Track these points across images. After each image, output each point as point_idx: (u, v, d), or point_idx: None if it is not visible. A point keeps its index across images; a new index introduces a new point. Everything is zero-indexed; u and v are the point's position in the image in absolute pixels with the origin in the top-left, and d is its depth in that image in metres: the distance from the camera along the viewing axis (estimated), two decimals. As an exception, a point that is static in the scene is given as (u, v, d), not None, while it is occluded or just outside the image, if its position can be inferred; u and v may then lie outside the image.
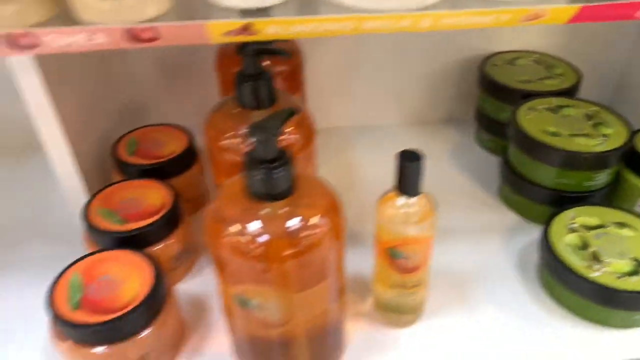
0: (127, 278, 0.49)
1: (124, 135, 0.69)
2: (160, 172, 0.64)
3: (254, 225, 0.40)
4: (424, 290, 0.53)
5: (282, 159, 0.38)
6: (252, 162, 0.38)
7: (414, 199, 0.46)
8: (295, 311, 0.43)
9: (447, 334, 0.54)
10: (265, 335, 0.45)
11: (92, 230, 0.55)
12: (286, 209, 0.40)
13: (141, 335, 0.47)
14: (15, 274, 0.62)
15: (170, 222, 0.58)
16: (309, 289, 0.42)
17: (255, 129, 0.37)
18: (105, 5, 0.39)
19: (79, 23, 0.40)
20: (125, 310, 0.46)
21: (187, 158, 0.67)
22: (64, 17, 0.41)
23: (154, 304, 0.48)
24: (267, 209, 0.40)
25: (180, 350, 0.53)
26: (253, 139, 0.38)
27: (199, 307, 0.58)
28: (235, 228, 0.40)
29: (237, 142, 0.54)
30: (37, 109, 0.54)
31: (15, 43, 0.39)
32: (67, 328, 0.45)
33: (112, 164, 0.67)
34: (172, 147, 0.67)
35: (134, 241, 0.55)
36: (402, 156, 0.44)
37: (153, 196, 0.59)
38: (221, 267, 0.43)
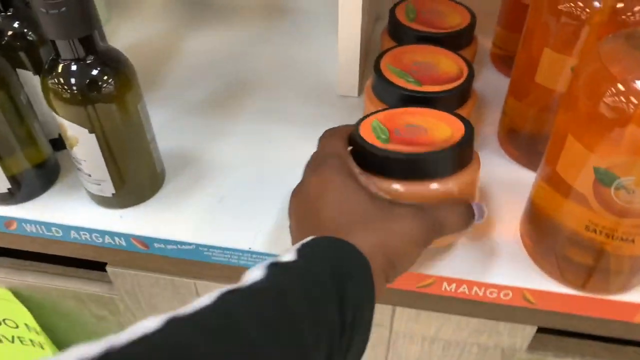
0: (435, 127, 0.44)
1: (401, 1, 0.64)
2: (442, 43, 0.58)
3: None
4: None
5: None
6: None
7: None
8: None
9: None
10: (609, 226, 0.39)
11: (387, 85, 0.51)
12: None
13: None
14: (281, 127, 0.61)
15: (464, 92, 0.52)
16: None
17: None
18: None
19: None
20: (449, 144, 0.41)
21: (469, 34, 0.61)
22: None
23: (467, 149, 0.42)
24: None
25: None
26: None
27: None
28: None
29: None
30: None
31: None
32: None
33: (388, 27, 0.62)
34: (455, 20, 0.61)
35: (430, 104, 0.50)
36: None
37: (447, 63, 0.54)
38: (584, 133, 0.36)
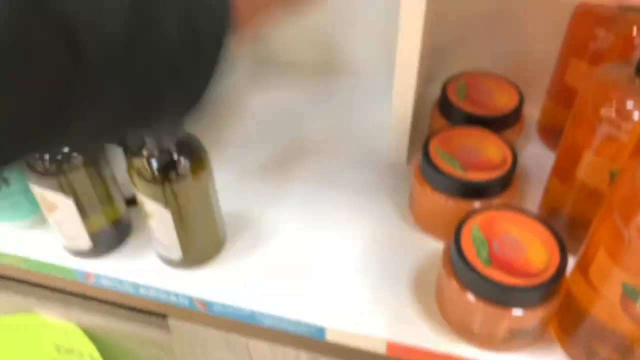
0: (532, 244, 0.47)
1: (453, 77, 0.68)
2: (488, 123, 0.62)
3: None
4: None
5: None
6: None
7: None
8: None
9: None
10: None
11: (434, 170, 0.55)
12: None
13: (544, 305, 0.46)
14: (333, 193, 0.65)
15: (506, 181, 0.56)
16: None
17: None
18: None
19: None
20: (544, 278, 0.44)
21: (516, 114, 0.64)
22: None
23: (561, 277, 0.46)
24: None
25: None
26: None
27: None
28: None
29: (621, 117, 0.49)
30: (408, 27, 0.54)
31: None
32: (483, 284, 0.45)
33: (439, 102, 0.66)
34: (503, 99, 0.64)
35: (474, 191, 0.54)
36: None
37: (493, 149, 0.57)
38: (615, 249, 0.39)
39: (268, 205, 0.63)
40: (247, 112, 0.78)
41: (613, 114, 0.49)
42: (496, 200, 0.55)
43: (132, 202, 0.60)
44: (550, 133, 0.70)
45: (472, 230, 0.48)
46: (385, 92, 0.78)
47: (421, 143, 0.66)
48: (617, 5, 0.57)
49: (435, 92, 0.69)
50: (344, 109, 0.79)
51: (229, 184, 0.64)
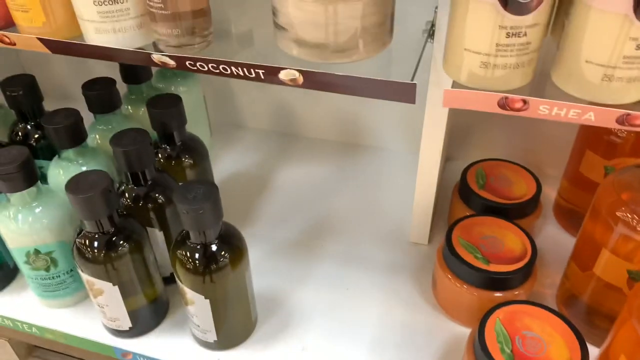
0: (553, 342, 0.50)
1: (473, 164, 0.71)
2: (508, 213, 0.65)
3: None
4: None
5: None
6: None
7: None
8: None
9: None
10: None
11: (458, 260, 0.58)
12: None
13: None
14: (358, 274, 0.68)
15: (527, 273, 0.58)
16: None
17: None
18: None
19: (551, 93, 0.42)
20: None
21: (535, 202, 0.67)
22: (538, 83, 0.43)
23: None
24: None
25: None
26: None
27: None
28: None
29: (637, 219, 0.52)
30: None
31: (507, 104, 0.41)
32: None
33: (459, 188, 0.70)
34: (522, 189, 0.67)
35: (496, 283, 0.57)
36: None
37: (514, 240, 0.60)
38: (637, 356, 0.42)
39: (295, 284, 0.66)
40: (274, 188, 0.82)
41: (629, 217, 0.52)
42: (517, 291, 0.57)
43: (169, 280, 0.64)
44: (567, 214, 0.73)
45: (495, 325, 0.51)
46: (407, 167, 0.82)
47: (440, 222, 0.70)
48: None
49: (452, 171, 0.72)
50: (368, 185, 0.82)
51: (256, 262, 0.67)
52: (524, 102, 0.41)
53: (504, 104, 0.42)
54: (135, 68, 0.71)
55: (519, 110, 0.42)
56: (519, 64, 0.41)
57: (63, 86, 1.02)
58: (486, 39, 0.40)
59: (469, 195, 0.67)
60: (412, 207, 0.68)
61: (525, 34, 0.40)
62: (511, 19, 0.39)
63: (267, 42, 0.65)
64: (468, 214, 0.67)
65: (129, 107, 0.74)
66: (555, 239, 0.72)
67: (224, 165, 0.87)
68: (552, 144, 0.78)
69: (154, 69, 0.76)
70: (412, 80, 0.43)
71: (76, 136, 0.60)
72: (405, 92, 0.43)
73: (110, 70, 0.70)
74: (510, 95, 0.41)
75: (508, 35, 0.39)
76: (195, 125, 0.62)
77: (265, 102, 0.92)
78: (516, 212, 0.65)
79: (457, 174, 0.71)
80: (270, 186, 0.83)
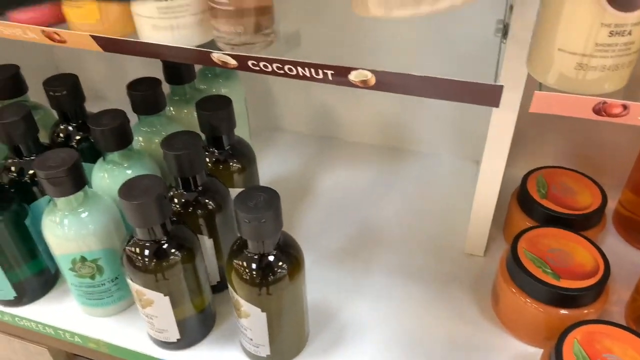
0: None
1: (532, 172, 0.68)
2: (572, 224, 0.61)
3: None
4: None
5: None
6: None
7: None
8: None
9: None
10: None
11: (525, 274, 0.54)
12: None
13: None
14: (410, 285, 0.65)
15: (600, 290, 0.55)
16: None
17: None
18: None
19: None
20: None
21: (600, 214, 0.63)
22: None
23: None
24: None
25: None
26: None
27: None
28: None
29: None
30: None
31: (604, 109, 0.38)
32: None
33: (519, 196, 0.66)
34: (586, 199, 0.64)
35: (568, 300, 0.53)
36: None
37: (583, 254, 0.57)
38: None
39: (345, 296, 0.63)
40: (316, 194, 0.79)
41: None
42: (588, 309, 0.54)
43: (215, 289, 0.61)
44: (630, 225, 0.69)
45: (573, 347, 0.47)
46: (454, 173, 0.79)
47: (492, 232, 0.66)
48: None
49: (508, 177, 0.68)
50: (413, 191, 0.79)
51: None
52: (624, 107, 0.38)
53: (599, 109, 0.39)
54: (179, 68, 0.69)
55: (616, 116, 0.39)
56: (618, 65, 0.38)
57: (97, 86, 1.00)
58: (585, 38, 0.37)
59: (530, 204, 0.64)
60: (463, 215, 0.64)
61: (630, 33, 0.36)
62: (616, 16, 0.35)
63: (313, 42, 0.62)
64: (529, 224, 0.63)
65: (172, 108, 0.71)
66: (618, 252, 0.68)
67: (263, 170, 0.84)
68: (611, 150, 0.75)
69: (197, 69, 0.74)
70: (495, 82, 0.40)
71: (123, 139, 0.58)
72: (489, 95, 0.40)
73: (147, 70, 0.68)
74: (609, 100, 0.38)
75: (611, 33, 0.36)
76: (237, 127, 0.59)
77: (305, 104, 0.89)
78: (581, 224, 0.62)
79: (508, 182, 0.67)
80: (313, 192, 0.80)
